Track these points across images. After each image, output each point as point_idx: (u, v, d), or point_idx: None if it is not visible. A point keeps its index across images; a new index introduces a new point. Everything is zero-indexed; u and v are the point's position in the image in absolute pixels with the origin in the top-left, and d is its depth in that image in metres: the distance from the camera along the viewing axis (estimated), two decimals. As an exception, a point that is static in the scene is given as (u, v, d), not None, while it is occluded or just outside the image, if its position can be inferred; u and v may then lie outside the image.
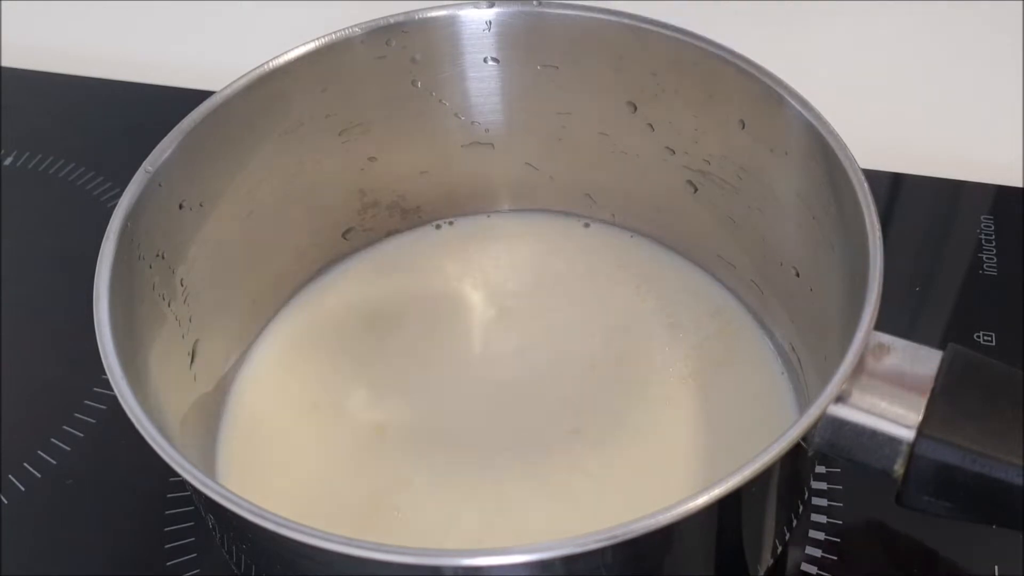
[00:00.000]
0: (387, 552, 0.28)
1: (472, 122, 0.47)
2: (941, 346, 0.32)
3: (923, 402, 0.31)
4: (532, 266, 0.48)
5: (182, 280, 0.40)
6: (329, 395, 0.43)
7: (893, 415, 0.31)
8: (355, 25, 0.43)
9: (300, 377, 0.44)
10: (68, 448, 0.46)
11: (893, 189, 0.55)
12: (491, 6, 0.43)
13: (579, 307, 0.46)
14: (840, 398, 0.31)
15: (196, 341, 0.41)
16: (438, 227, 0.49)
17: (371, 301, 0.46)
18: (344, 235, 0.48)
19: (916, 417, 0.31)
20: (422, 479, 0.40)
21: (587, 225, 0.49)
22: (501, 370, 0.44)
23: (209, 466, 0.40)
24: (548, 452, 0.40)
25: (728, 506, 0.30)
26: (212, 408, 0.42)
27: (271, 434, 0.41)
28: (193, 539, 0.42)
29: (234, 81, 0.41)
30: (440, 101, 0.46)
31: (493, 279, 0.47)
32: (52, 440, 0.46)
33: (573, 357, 0.44)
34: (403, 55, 0.44)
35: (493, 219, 0.50)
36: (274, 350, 0.45)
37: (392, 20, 0.43)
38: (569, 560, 0.28)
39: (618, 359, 0.44)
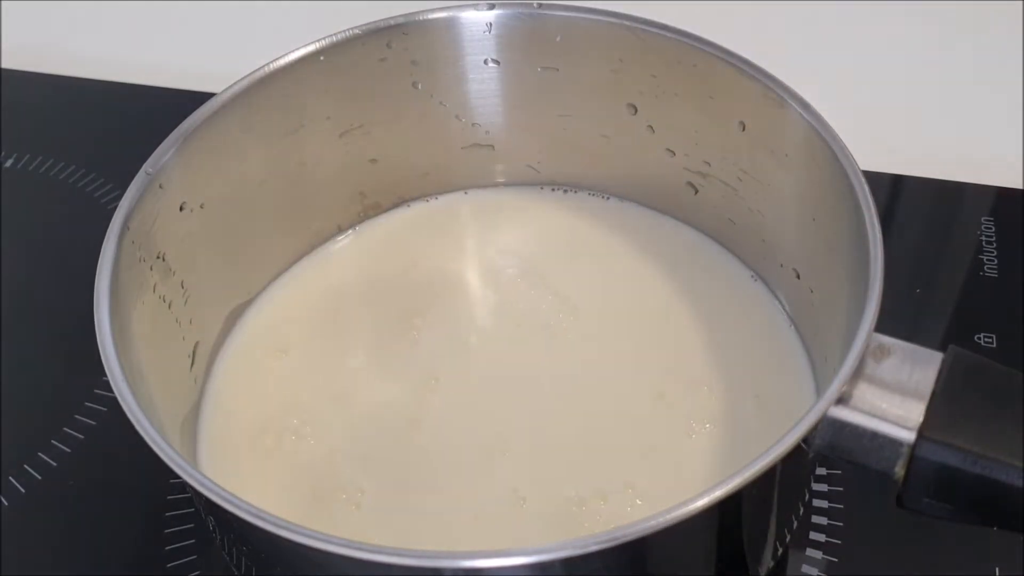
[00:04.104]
0: (387, 554, 0.28)
1: (473, 124, 0.47)
2: (942, 348, 0.32)
3: (924, 404, 0.31)
4: (535, 236, 0.48)
5: (183, 282, 0.40)
6: (323, 385, 0.42)
7: (894, 417, 0.31)
8: (355, 27, 0.43)
9: (293, 368, 0.43)
10: (68, 450, 0.46)
11: (893, 191, 0.55)
12: (491, 8, 0.43)
13: (584, 275, 0.46)
14: (841, 400, 0.31)
15: (196, 343, 0.41)
16: (427, 202, 0.49)
17: (360, 282, 0.46)
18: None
19: (917, 419, 0.31)
20: (434, 468, 0.39)
21: (607, 198, 0.49)
22: (501, 349, 0.43)
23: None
24: (558, 428, 0.40)
25: (728, 508, 0.30)
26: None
27: (267, 431, 0.41)
28: (193, 541, 0.42)
29: (234, 83, 0.41)
30: (440, 103, 0.46)
31: (496, 250, 0.47)
32: (52, 442, 0.46)
33: (581, 324, 0.44)
34: (403, 57, 0.44)
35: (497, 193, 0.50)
36: (266, 330, 0.45)
37: (392, 22, 0.43)
38: (569, 562, 0.28)
39: (627, 327, 0.43)
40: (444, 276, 0.46)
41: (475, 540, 0.37)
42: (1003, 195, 0.54)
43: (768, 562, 0.36)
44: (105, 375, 0.32)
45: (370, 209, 0.48)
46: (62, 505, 0.44)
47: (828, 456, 0.32)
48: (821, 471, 0.43)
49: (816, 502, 0.42)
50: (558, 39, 0.44)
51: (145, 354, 0.36)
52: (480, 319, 0.44)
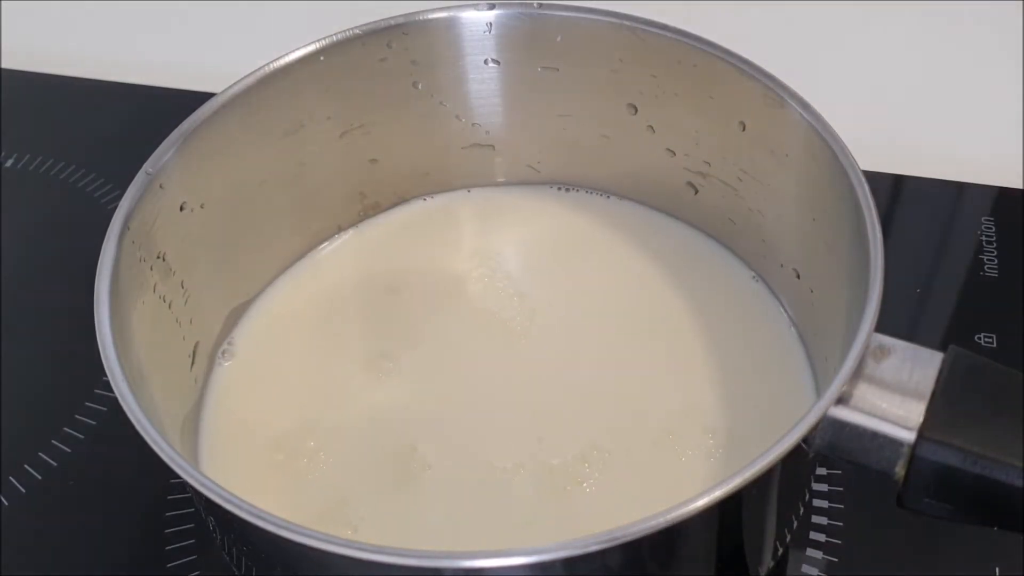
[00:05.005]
0: (387, 554, 0.28)
1: (473, 124, 0.47)
2: (942, 348, 0.32)
3: (924, 404, 0.31)
4: (535, 236, 0.48)
5: (183, 282, 0.40)
6: (323, 384, 0.43)
7: (894, 417, 0.31)
8: (356, 27, 0.43)
9: (293, 367, 0.43)
10: (69, 450, 0.46)
11: (894, 191, 0.55)
12: (491, 8, 0.43)
13: (585, 275, 0.46)
14: (841, 400, 0.31)
15: (197, 343, 0.41)
16: (427, 201, 0.49)
17: (361, 281, 0.46)
18: (345, 237, 0.48)
19: (917, 419, 0.31)
20: (432, 467, 0.39)
21: (607, 198, 0.49)
22: (501, 349, 0.43)
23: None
24: (561, 428, 0.40)
25: (728, 508, 0.30)
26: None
27: (267, 432, 0.41)
28: (194, 540, 0.42)
29: (235, 83, 0.41)
30: (441, 103, 0.46)
31: (496, 249, 0.47)
32: (53, 442, 0.46)
33: (581, 323, 0.44)
34: (404, 57, 0.44)
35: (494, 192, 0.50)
36: (266, 330, 0.45)
37: (393, 22, 0.43)
38: (570, 562, 0.28)
39: (627, 327, 0.43)
40: (444, 276, 0.46)
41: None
42: (1003, 195, 0.54)
43: (768, 562, 0.36)
44: (105, 375, 0.32)
45: (370, 209, 0.48)
46: (62, 505, 0.44)
47: (828, 456, 0.32)
48: (821, 471, 0.43)
49: (816, 502, 0.42)
50: (558, 39, 0.44)
51: (145, 354, 0.36)
52: (480, 318, 0.44)
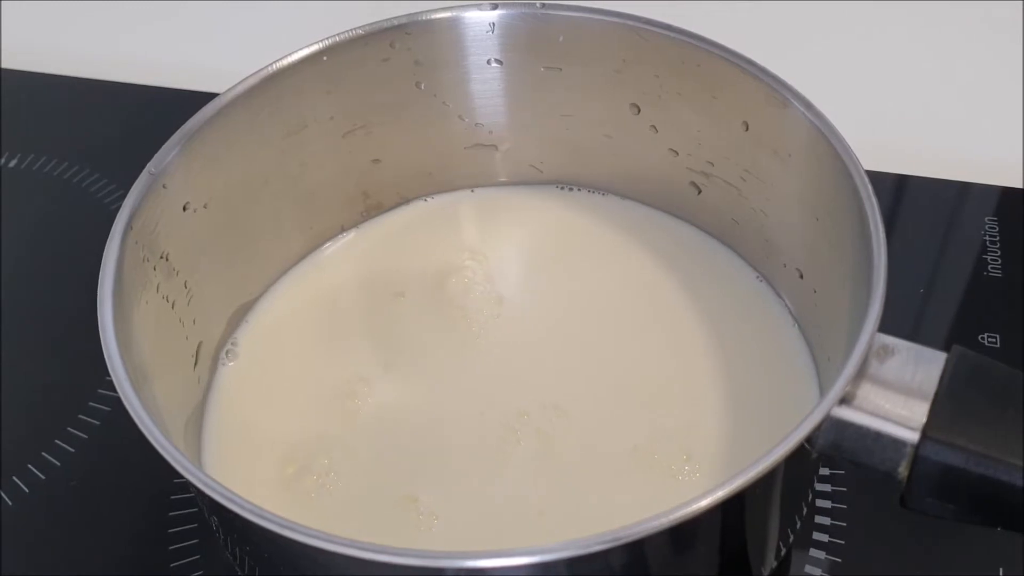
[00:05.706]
0: (390, 554, 0.28)
1: (476, 124, 0.47)
2: (945, 348, 0.32)
3: (927, 404, 0.31)
4: (538, 236, 0.48)
5: (186, 282, 0.40)
6: (325, 384, 0.42)
7: (897, 417, 0.31)
8: (358, 27, 0.43)
9: (296, 367, 0.43)
10: (72, 450, 0.46)
11: (897, 191, 0.55)
12: (494, 8, 0.43)
13: (587, 275, 0.46)
14: (844, 400, 0.31)
15: (200, 343, 0.41)
16: (429, 201, 0.49)
17: (363, 281, 0.46)
18: (347, 237, 0.48)
19: (920, 419, 0.31)
20: (440, 476, 0.39)
21: (609, 197, 0.49)
22: (504, 347, 0.43)
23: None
24: (565, 427, 0.40)
25: (731, 508, 0.30)
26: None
27: (270, 431, 0.41)
28: (196, 540, 0.42)
29: (238, 83, 0.41)
30: (443, 103, 0.46)
31: (498, 249, 0.47)
32: (56, 442, 0.46)
33: (584, 323, 0.44)
34: (407, 57, 0.44)
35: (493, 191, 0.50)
36: (268, 330, 0.45)
37: (396, 22, 0.43)
38: (572, 562, 0.28)
39: (630, 326, 0.43)
40: (446, 276, 0.46)
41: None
42: (1007, 195, 0.54)
43: (771, 562, 0.36)
44: (109, 376, 0.32)
45: (373, 209, 0.48)
46: (65, 504, 0.44)
47: (831, 456, 0.32)
48: (824, 471, 0.43)
49: (819, 502, 0.42)
50: (561, 39, 0.44)
51: (148, 354, 0.36)
52: (483, 319, 0.44)
